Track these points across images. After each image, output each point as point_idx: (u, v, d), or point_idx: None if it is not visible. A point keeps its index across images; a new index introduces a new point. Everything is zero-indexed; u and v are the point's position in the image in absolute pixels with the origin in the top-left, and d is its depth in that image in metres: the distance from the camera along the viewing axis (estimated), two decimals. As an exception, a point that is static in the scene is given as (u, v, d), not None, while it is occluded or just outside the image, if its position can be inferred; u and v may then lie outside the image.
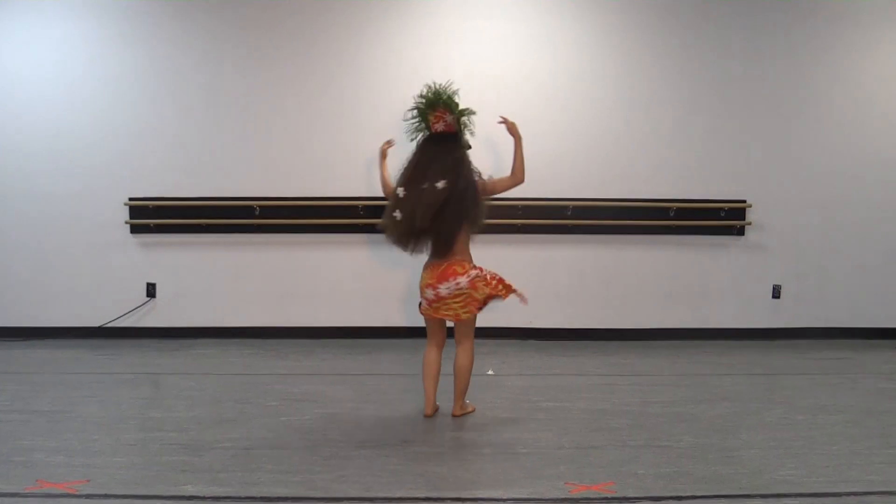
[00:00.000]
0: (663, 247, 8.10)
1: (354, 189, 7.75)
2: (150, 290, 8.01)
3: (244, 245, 8.00)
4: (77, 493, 3.92)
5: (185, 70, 7.85)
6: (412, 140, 5.41)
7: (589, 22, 7.92)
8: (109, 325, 7.99)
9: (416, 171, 5.12)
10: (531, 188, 7.73)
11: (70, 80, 7.80)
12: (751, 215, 8.09)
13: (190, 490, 3.97)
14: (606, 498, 3.94)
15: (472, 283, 5.05)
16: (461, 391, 5.30)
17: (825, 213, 8.18)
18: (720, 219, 8.08)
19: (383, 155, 5.70)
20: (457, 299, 5.07)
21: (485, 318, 7.92)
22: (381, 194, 5.56)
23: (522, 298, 5.18)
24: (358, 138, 7.75)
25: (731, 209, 8.07)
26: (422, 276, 5.22)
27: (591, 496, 3.96)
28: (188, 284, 8.04)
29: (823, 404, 5.77)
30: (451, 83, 5.41)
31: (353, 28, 7.82)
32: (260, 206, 7.86)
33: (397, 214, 5.04)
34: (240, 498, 3.90)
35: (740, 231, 8.12)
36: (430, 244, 5.17)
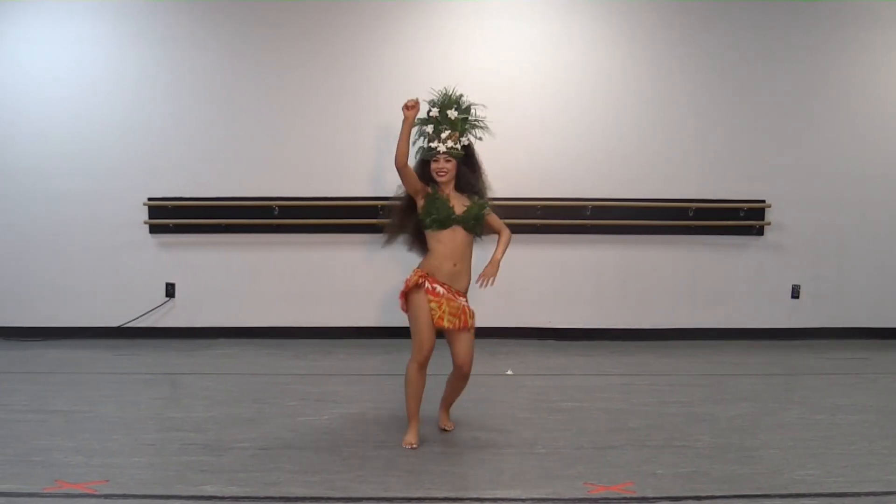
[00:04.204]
0: (682, 247, 8.08)
1: (374, 189, 7.75)
2: (170, 290, 8.04)
3: (263, 245, 8.02)
4: (96, 493, 3.93)
5: (203, 70, 7.88)
6: (418, 143, 5.17)
7: (609, 23, 7.91)
8: (128, 325, 8.03)
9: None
10: (550, 187, 7.80)
11: (88, 80, 7.84)
12: (770, 215, 8.06)
13: (209, 490, 3.99)
14: (625, 498, 3.94)
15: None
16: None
17: (844, 213, 8.15)
18: (739, 219, 8.05)
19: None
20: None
21: (503, 319, 7.97)
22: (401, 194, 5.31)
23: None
24: (376, 139, 7.76)
25: (750, 209, 8.04)
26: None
27: (610, 496, 3.95)
28: (207, 284, 8.07)
29: (842, 404, 5.75)
30: (454, 88, 4.98)
31: (371, 29, 7.83)
32: (279, 207, 7.87)
33: None
34: (259, 498, 3.90)
35: (759, 231, 8.09)
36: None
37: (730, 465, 4.43)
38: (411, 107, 4.70)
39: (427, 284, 4.72)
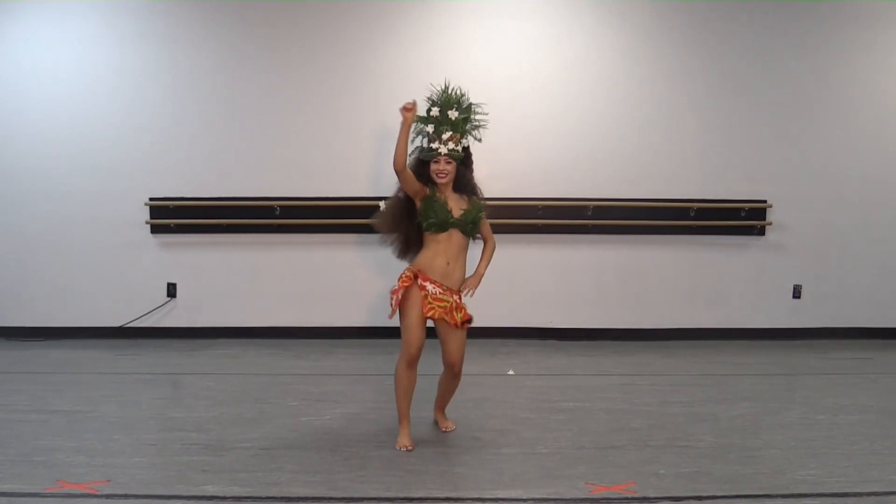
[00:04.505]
0: (684, 247, 8.08)
1: (374, 189, 7.74)
2: (171, 290, 8.04)
3: (264, 245, 8.01)
4: (97, 493, 3.93)
5: (205, 70, 7.88)
6: (416, 141, 5.12)
7: (610, 23, 7.90)
8: (130, 325, 8.03)
9: None
10: (551, 187, 7.78)
11: (88, 80, 7.84)
12: (771, 215, 8.06)
13: (210, 490, 3.99)
14: (627, 498, 3.93)
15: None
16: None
17: (845, 213, 8.15)
18: (740, 219, 8.05)
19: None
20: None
21: (504, 319, 7.96)
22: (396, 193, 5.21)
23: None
24: (376, 139, 7.75)
25: (751, 209, 8.04)
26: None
27: (612, 496, 3.95)
28: (208, 284, 8.07)
29: (843, 404, 5.75)
30: (457, 88, 4.86)
31: (371, 29, 7.83)
32: (280, 207, 7.87)
33: None
34: (260, 498, 3.90)
35: (760, 231, 8.09)
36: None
37: (732, 465, 4.43)
38: (409, 109, 4.62)
39: (419, 281, 4.69)
